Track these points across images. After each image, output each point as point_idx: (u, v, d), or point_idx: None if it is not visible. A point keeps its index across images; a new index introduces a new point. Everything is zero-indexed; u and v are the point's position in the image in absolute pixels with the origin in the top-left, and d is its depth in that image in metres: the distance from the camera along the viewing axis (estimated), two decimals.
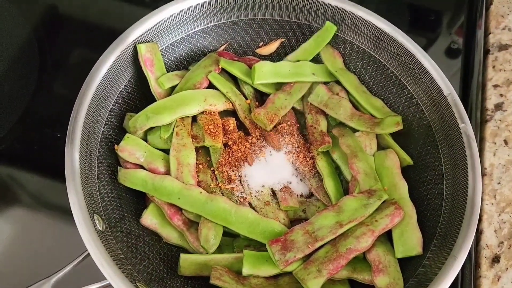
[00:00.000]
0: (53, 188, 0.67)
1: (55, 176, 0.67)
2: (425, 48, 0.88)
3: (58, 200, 0.66)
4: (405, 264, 0.57)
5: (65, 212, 0.64)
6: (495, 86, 0.80)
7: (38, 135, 0.71)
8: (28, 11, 0.84)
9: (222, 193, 0.62)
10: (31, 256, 0.63)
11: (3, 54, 0.78)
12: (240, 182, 0.63)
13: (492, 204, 0.70)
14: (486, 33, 0.86)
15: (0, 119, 0.72)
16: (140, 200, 0.62)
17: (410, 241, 0.57)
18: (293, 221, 0.63)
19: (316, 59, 0.71)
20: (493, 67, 0.82)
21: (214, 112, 0.65)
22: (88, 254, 0.49)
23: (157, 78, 0.65)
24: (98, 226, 0.52)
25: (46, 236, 0.64)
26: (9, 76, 0.76)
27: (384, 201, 0.59)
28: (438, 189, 0.61)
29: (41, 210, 0.66)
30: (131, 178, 0.59)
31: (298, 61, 0.70)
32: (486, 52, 0.84)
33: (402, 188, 0.62)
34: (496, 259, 0.66)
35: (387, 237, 0.59)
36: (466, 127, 0.59)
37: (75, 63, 0.81)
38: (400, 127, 0.64)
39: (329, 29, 0.69)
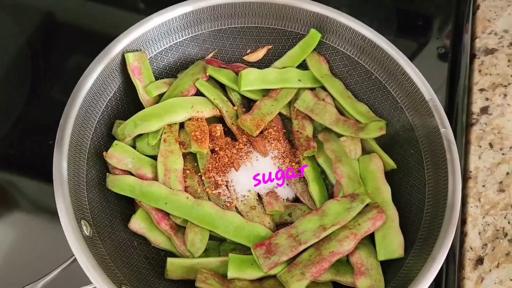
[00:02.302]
0: (42, 193, 0.68)
1: (46, 181, 0.68)
2: (415, 52, 0.90)
3: (48, 204, 0.67)
4: (387, 266, 0.58)
5: (55, 216, 0.66)
6: (481, 90, 0.81)
7: (31, 143, 0.73)
8: (22, 19, 0.85)
9: (209, 198, 0.63)
10: (18, 260, 0.64)
11: None
12: (227, 187, 0.64)
13: (477, 206, 0.71)
14: (473, 38, 0.88)
15: None
16: (128, 205, 0.64)
17: (392, 244, 0.58)
18: (279, 225, 0.64)
19: (302, 65, 0.72)
20: (479, 71, 0.83)
21: (201, 119, 0.66)
22: (75, 259, 0.51)
23: (145, 86, 0.66)
24: (85, 231, 0.54)
25: (34, 239, 0.66)
26: (3, 84, 0.78)
27: (367, 205, 0.61)
28: (420, 193, 0.62)
29: (31, 214, 0.68)
30: (119, 184, 0.61)
31: (285, 67, 0.71)
32: (473, 56, 0.85)
33: (386, 192, 0.63)
34: (479, 261, 0.67)
35: (370, 240, 0.61)
36: (447, 131, 0.61)
37: (69, 70, 0.82)
38: (383, 132, 0.65)
39: (314, 36, 0.70)
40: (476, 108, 0.80)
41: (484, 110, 0.79)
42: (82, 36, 0.86)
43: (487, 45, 0.86)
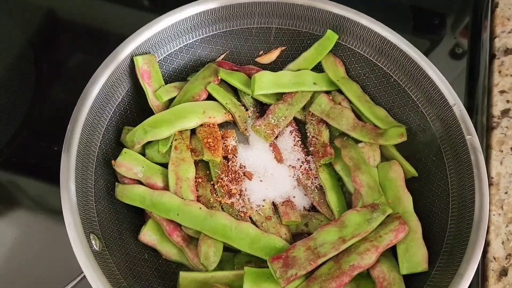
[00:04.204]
0: (50, 200, 0.66)
1: (54, 189, 0.66)
2: (429, 50, 0.87)
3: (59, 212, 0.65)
4: (410, 280, 0.56)
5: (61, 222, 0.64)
6: (502, 92, 0.78)
7: (35, 148, 0.70)
8: (22, 17, 0.82)
9: (222, 208, 0.61)
10: (28, 272, 0.62)
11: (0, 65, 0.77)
12: (241, 196, 0.61)
13: (499, 214, 0.68)
14: (492, 37, 0.84)
15: None
16: (138, 215, 0.61)
17: (415, 257, 0.56)
18: (295, 235, 0.62)
19: (317, 68, 0.69)
20: (499, 72, 0.80)
21: (213, 125, 0.63)
22: (84, 276, 0.48)
23: (155, 91, 0.64)
24: (94, 246, 0.51)
25: (45, 252, 0.63)
26: (6, 88, 0.75)
27: (388, 215, 0.58)
28: (444, 202, 0.59)
29: (39, 221, 0.65)
30: (129, 194, 0.58)
31: (299, 70, 0.68)
32: (492, 56, 0.82)
33: (407, 201, 0.60)
34: (503, 272, 0.64)
35: (391, 252, 0.58)
36: (473, 138, 0.58)
37: (73, 70, 0.79)
38: (404, 139, 0.62)
39: (330, 38, 0.67)
40: (496, 111, 0.77)
41: (505, 113, 0.76)
42: (84, 34, 0.83)
43: (507, 44, 0.83)
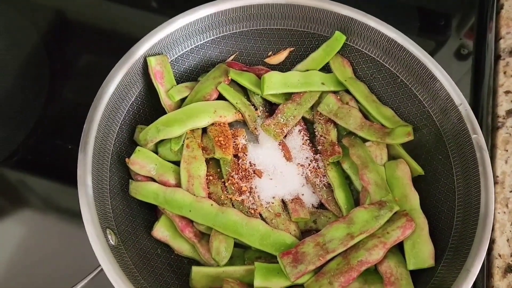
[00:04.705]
0: (66, 199, 0.68)
1: (69, 187, 0.68)
2: (434, 51, 0.88)
3: (70, 209, 0.67)
4: (417, 276, 0.57)
5: (75, 221, 0.65)
6: (507, 92, 0.79)
7: (50, 147, 0.72)
8: (37, 19, 0.84)
9: (232, 205, 0.62)
10: (44, 268, 0.64)
11: (14, 65, 0.78)
12: (251, 193, 0.63)
13: (504, 212, 0.69)
14: (497, 38, 0.85)
15: (13, 131, 0.73)
16: (151, 212, 0.63)
17: (422, 253, 0.57)
18: (304, 232, 0.63)
19: (325, 68, 0.71)
20: (504, 72, 0.81)
21: (223, 124, 0.65)
22: (101, 269, 0.50)
23: (167, 90, 0.65)
24: (111, 241, 0.53)
25: (60, 248, 0.65)
26: (21, 87, 0.77)
27: (395, 213, 0.59)
28: (450, 200, 0.60)
29: (54, 218, 0.67)
30: (142, 191, 0.60)
31: (307, 70, 0.69)
32: (497, 57, 0.83)
33: (413, 199, 0.61)
34: (509, 269, 0.65)
35: (398, 248, 0.59)
36: (478, 138, 0.59)
37: (86, 70, 0.81)
38: (411, 138, 0.64)
39: (338, 39, 0.69)
40: (501, 111, 0.78)
41: (510, 113, 0.77)
42: (95, 35, 0.84)
43: None
